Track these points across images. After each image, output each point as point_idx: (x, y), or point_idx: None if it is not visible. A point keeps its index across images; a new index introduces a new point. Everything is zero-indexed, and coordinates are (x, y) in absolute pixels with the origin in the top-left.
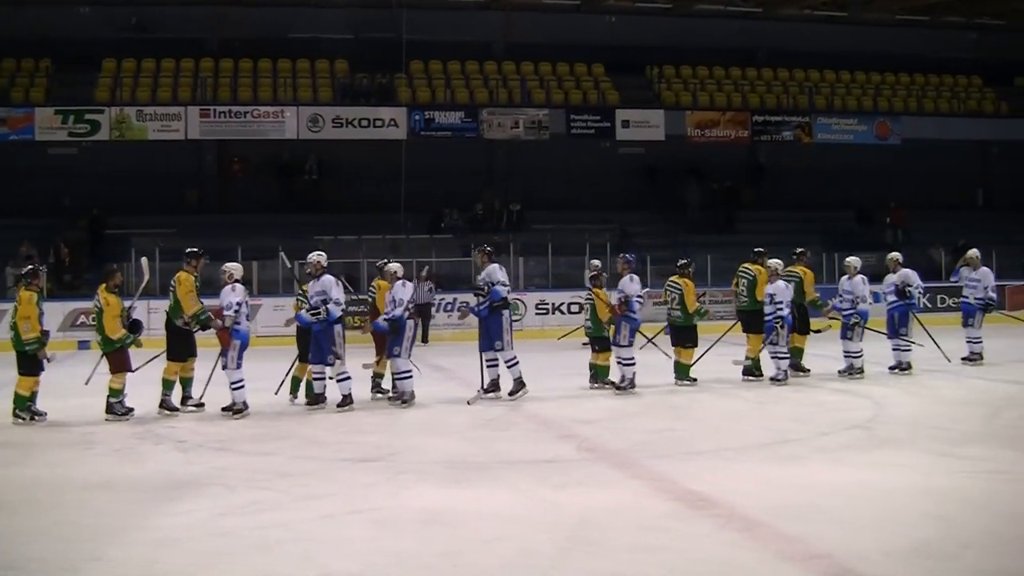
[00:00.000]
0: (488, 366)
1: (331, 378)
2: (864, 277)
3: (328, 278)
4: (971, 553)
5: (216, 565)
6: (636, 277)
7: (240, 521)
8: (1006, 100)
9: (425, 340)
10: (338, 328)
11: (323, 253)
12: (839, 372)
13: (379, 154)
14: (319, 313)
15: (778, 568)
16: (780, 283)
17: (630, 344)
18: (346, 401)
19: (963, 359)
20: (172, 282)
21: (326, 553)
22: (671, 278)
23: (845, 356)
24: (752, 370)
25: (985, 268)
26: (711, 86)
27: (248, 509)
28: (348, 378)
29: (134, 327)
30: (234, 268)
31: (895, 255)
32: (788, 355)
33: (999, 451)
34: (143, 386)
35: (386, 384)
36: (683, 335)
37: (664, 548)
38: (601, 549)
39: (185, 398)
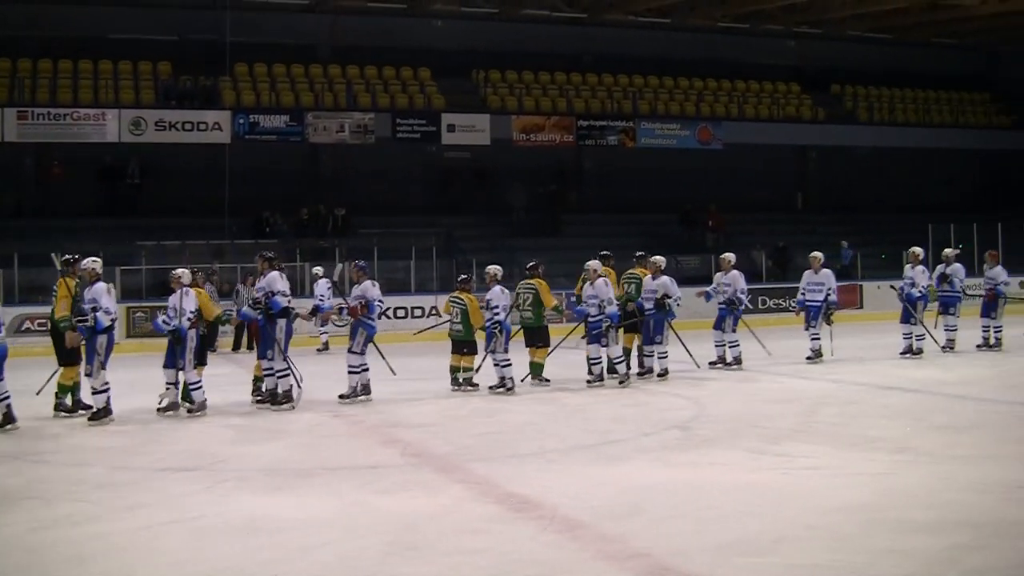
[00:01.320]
0: (265, 374)
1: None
2: (606, 279)
3: (100, 285)
4: (785, 547)
5: None
6: (376, 283)
7: (55, 535)
8: (823, 106)
9: (246, 347)
10: (102, 339)
11: (99, 260)
12: (588, 382)
13: (203, 158)
14: (86, 321)
15: (598, 568)
16: (497, 289)
17: (363, 352)
18: (99, 415)
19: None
20: (55, 287)
21: (143, 565)
22: (524, 281)
23: (658, 358)
24: (611, 368)
25: (735, 272)
26: (537, 91)
27: (64, 522)
28: (106, 390)
29: None
30: None
31: (657, 259)
32: (510, 362)
33: (815, 447)
34: None
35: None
36: (535, 335)
37: (486, 551)
38: (423, 554)
39: (75, 403)
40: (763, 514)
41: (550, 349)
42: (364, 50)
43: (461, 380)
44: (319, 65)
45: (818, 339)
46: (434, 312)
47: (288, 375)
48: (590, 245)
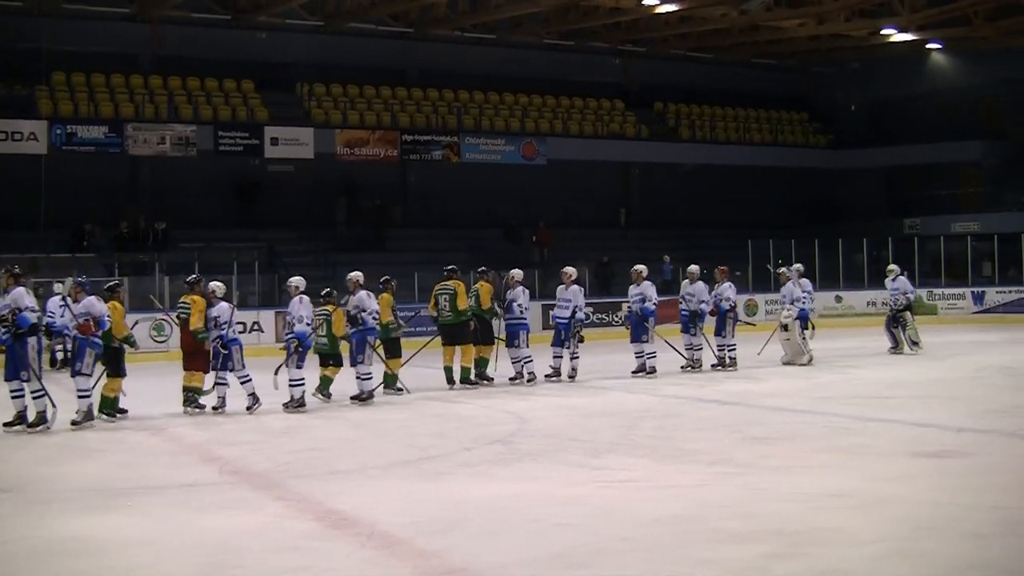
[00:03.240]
0: (13, 396)
1: None
2: (368, 293)
3: None
4: (602, 559)
5: None
6: (100, 299)
7: None
8: (646, 123)
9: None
10: None
11: None
12: (351, 398)
13: (18, 169)
14: None
15: None
16: (295, 301)
17: (91, 373)
18: None
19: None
20: None
21: None
22: (380, 295)
23: (359, 379)
24: (466, 379)
25: (521, 288)
26: (361, 105)
27: None
28: None
29: None
30: None
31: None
32: (302, 381)
33: (635, 460)
34: None
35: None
36: (389, 347)
37: (303, 569)
38: (241, 572)
39: None
40: (581, 527)
41: (403, 360)
42: (186, 61)
43: (324, 392)
44: (140, 75)
45: (560, 358)
46: (256, 328)
47: (43, 396)
48: (414, 260)
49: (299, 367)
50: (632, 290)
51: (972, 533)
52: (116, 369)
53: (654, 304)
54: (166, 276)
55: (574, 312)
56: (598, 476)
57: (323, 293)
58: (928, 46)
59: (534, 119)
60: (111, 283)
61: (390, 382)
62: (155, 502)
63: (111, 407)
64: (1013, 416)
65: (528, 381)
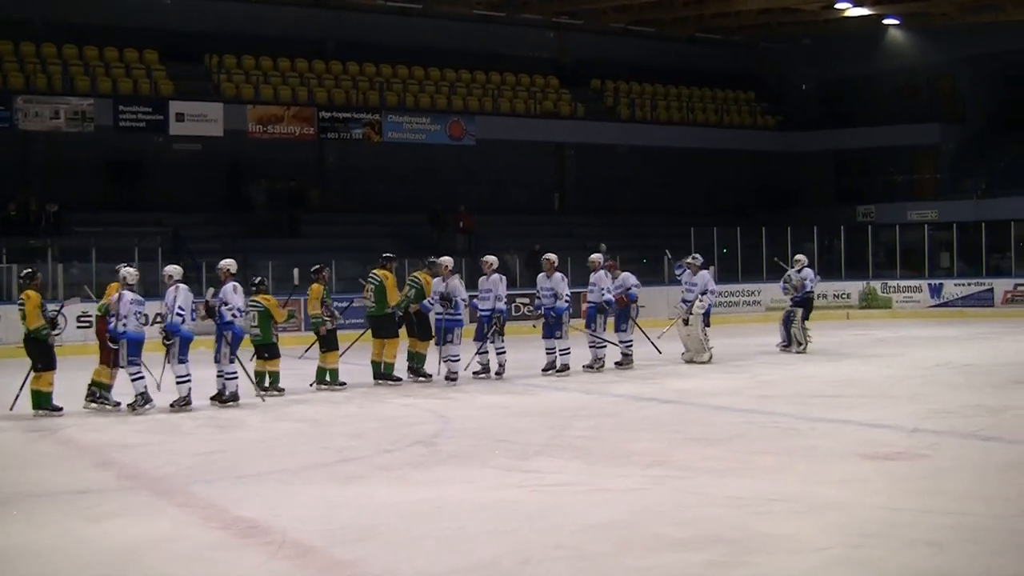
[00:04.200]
0: None
1: None
2: (234, 285)
3: None
4: (532, 568)
5: None
6: None
7: None
8: (583, 102)
9: None
10: None
11: None
12: (211, 399)
13: None
14: None
15: None
16: (171, 290)
17: None
18: None
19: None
20: None
21: None
22: (311, 285)
23: (218, 377)
24: (388, 373)
25: (458, 279)
26: (275, 78)
27: None
28: None
29: None
30: None
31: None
32: (186, 377)
33: (566, 462)
34: None
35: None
36: (324, 340)
37: None
38: None
39: None
40: (509, 534)
41: (340, 352)
42: (84, 28)
43: (267, 385)
44: (31, 43)
45: (485, 353)
46: (159, 319)
47: None
48: (332, 246)
49: (181, 362)
50: (542, 282)
51: (925, 540)
52: (45, 363)
53: (566, 301)
54: (59, 264)
55: (495, 304)
56: (527, 480)
57: (256, 281)
58: (884, 22)
59: (462, 96)
60: (27, 271)
61: (332, 378)
62: (45, 510)
63: (47, 403)
64: (969, 416)
65: (452, 380)
